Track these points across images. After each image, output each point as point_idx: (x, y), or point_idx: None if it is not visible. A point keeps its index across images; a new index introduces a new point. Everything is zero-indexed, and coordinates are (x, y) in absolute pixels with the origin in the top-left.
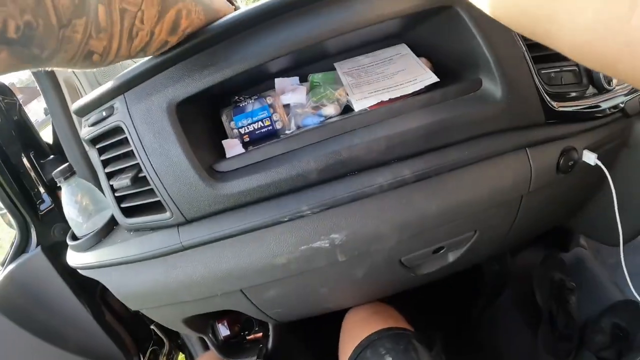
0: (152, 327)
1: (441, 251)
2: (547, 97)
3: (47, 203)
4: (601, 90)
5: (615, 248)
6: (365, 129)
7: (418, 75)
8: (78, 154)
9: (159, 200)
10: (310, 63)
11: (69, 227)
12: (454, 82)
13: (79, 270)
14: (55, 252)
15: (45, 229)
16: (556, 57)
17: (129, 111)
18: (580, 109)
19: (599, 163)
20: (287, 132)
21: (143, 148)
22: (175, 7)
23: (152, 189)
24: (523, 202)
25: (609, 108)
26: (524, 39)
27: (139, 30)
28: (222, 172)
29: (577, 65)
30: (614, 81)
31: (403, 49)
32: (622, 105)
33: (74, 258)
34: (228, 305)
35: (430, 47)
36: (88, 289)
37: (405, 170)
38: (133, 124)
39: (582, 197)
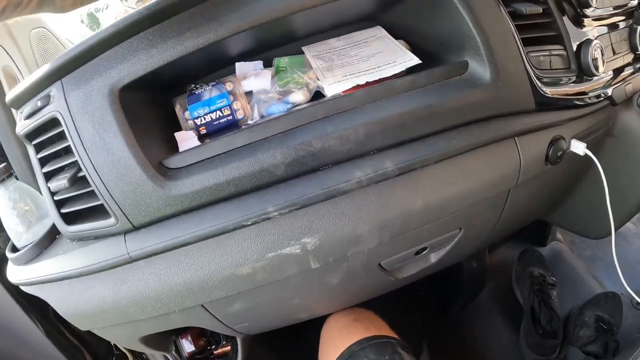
0: (112, 344)
1: (424, 252)
2: (537, 82)
3: None
4: (589, 75)
5: (590, 240)
6: (339, 116)
7: (397, 57)
8: (19, 153)
9: (102, 204)
10: (275, 47)
11: None
12: (438, 65)
13: (20, 287)
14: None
15: None
16: (545, 40)
17: (65, 99)
18: (570, 95)
19: (589, 153)
20: (249, 122)
21: (81, 142)
22: None
23: (93, 191)
24: (510, 196)
25: (597, 96)
26: (513, 18)
27: None
28: (173, 168)
29: (565, 49)
30: (601, 67)
31: (379, 31)
32: (609, 93)
33: (14, 273)
34: (188, 322)
35: (408, 29)
36: (39, 306)
37: (387, 162)
38: (70, 113)
39: (566, 189)
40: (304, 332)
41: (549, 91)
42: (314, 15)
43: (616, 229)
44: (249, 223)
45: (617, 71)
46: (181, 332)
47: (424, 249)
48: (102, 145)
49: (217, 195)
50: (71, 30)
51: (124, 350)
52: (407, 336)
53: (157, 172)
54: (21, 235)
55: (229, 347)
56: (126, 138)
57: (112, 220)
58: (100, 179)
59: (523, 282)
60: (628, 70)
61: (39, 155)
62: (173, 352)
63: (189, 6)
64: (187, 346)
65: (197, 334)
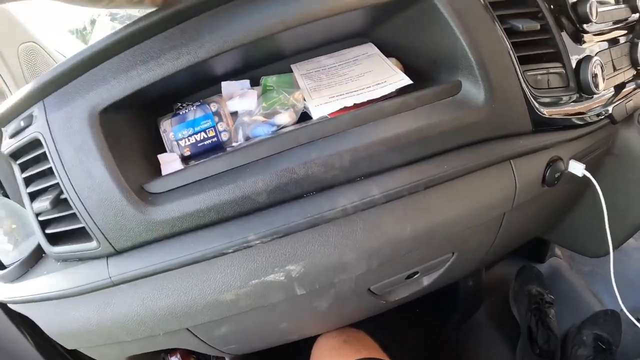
0: None
1: (415, 276)
2: (534, 102)
3: None
4: (589, 94)
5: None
6: (324, 141)
7: (388, 77)
8: (8, 170)
9: (83, 227)
10: (264, 64)
11: None
12: (429, 85)
13: (8, 305)
14: None
15: None
16: (543, 58)
17: (47, 120)
18: (569, 115)
19: (588, 174)
20: (234, 144)
21: (62, 165)
22: None
23: (74, 214)
24: (505, 219)
25: (597, 115)
26: (509, 35)
27: None
28: (154, 193)
29: (564, 66)
30: (602, 85)
31: (370, 48)
32: (610, 111)
33: (1, 291)
34: (174, 344)
35: (400, 46)
36: (29, 319)
37: (374, 189)
38: (52, 135)
39: (564, 209)
40: (293, 351)
41: (546, 112)
42: (302, 34)
43: (615, 248)
44: (230, 251)
45: (618, 88)
46: (170, 350)
47: (415, 273)
48: (83, 169)
49: (198, 221)
50: (61, 42)
51: None
52: (400, 357)
53: (137, 197)
54: (8, 252)
55: None
56: (106, 162)
57: (94, 244)
58: (82, 202)
59: (520, 300)
60: (629, 87)
61: (24, 175)
62: None
63: (169, 27)
64: None
65: (186, 351)
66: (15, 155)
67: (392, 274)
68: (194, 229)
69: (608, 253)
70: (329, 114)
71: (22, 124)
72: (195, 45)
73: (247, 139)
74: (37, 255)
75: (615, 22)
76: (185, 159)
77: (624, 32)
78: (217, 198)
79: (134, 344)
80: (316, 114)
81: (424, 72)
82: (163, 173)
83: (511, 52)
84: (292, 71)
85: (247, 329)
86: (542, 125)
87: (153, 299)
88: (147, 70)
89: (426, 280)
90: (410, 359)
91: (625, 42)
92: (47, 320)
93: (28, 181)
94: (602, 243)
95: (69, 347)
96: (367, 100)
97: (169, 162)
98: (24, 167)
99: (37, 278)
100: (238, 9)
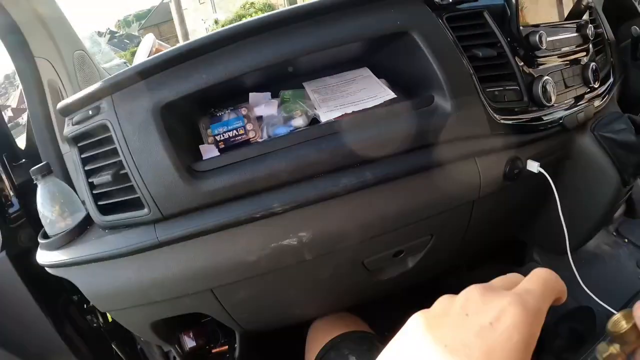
0: (113, 345)
1: (401, 255)
2: (491, 111)
3: (15, 207)
4: (540, 106)
5: (567, 260)
6: (331, 136)
7: (378, 92)
8: (53, 156)
9: (138, 198)
10: (281, 81)
11: (36, 234)
12: (410, 98)
13: (48, 269)
14: (20, 258)
15: (12, 233)
16: (500, 78)
17: (115, 111)
18: (522, 122)
19: (542, 170)
20: (259, 140)
21: (127, 146)
22: None
23: (131, 186)
24: (475, 208)
25: (549, 122)
26: (472, 60)
27: None
28: (200, 171)
29: (518, 84)
30: (553, 98)
31: (365, 71)
32: (561, 121)
33: (44, 256)
34: (197, 308)
35: (389, 69)
36: (51, 300)
37: (367, 172)
38: (119, 122)
39: (530, 205)
40: (293, 341)
41: (501, 118)
42: (312, 58)
43: (583, 243)
44: (257, 216)
45: (572, 101)
46: (185, 329)
47: (401, 251)
48: (144, 149)
49: (233, 193)
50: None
51: (121, 355)
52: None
53: (187, 173)
54: (54, 224)
55: (226, 347)
56: (165, 145)
57: (145, 211)
58: (141, 176)
59: None
60: (581, 101)
61: (83, 155)
62: (175, 346)
63: (217, 47)
64: (189, 342)
65: (198, 332)
66: (76, 139)
67: (382, 249)
68: (229, 200)
69: (575, 249)
70: (334, 118)
71: (90, 112)
72: (236, 63)
73: (269, 137)
74: (83, 227)
75: (568, 47)
76: (220, 151)
77: (577, 55)
78: (250, 175)
79: (162, 305)
80: (324, 118)
81: (407, 87)
82: (204, 158)
83: (473, 74)
84: (304, 87)
85: (261, 294)
86: (498, 129)
87: (189, 259)
88: (199, 79)
89: (411, 262)
90: None
91: (578, 64)
92: (87, 281)
93: (85, 161)
94: (570, 240)
95: (103, 310)
96: (363, 109)
97: (209, 151)
98: (82, 150)
99: (84, 244)
100: (269, 38)
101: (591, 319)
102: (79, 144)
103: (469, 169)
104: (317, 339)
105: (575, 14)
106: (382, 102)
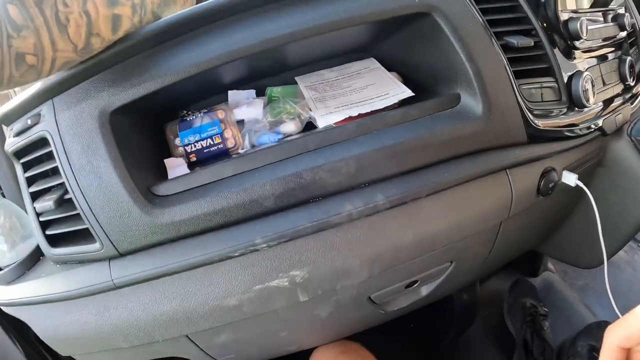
0: None
1: (414, 285)
2: (529, 114)
3: None
4: (580, 107)
5: (582, 269)
6: (330, 148)
7: (390, 89)
8: (7, 170)
9: (87, 229)
10: (268, 76)
11: None
12: (429, 98)
13: (1, 308)
14: None
15: None
16: (536, 72)
17: (56, 119)
18: (561, 127)
19: (580, 184)
20: (240, 151)
21: (69, 164)
22: None
23: (79, 214)
24: (501, 229)
25: (588, 127)
26: (505, 51)
27: (67, 14)
28: (161, 196)
29: (556, 81)
30: (592, 99)
31: (372, 62)
32: (600, 124)
33: None
34: (172, 352)
35: (400, 60)
36: (20, 327)
37: (378, 195)
38: (60, 134)
39: (558, 219)
40: None
41: (540, 123)
42: (305, 47)
43: (608, 258)
44: (236, 254)
45: (608, 102)
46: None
47: (415, 282)
48: (90, 169)
49: (204, 225)
50: None
51: None
52: None
53: (144, 198)
54: (4, 254)
55: None
56: (114, 163)
57: (97, 245)
58: (87, 202)
59: (515, 314)
60: (618, 101)
61: (27, 174)
62: None
63: (182, 33)
64: None
65: None
66: (18, 154)
67: (392, 282)
68: (199, 232)
69: (601, 264)
70: (334, 123)
71: (29, 122)
72: (207, 52)
73: (252, 146)
74: (35, 257)
75: (604, 39)
76: (191, 165)
77: (612, 49)
78: (225, 201)
79: (131, 351)
80: (322, 123)
81: (424, 85)
82: (170, 177)
83: (507, 67)
84: (296, 83)
85: (246, 337)
86: (536, 136)
87: (155, 303)
88: (159, 75)
89: (425, 290)
90: None
91: (614, 58)
92: (42, 324)
93: (30, 181)
94: (595, 254)
95: (63, 354)
96: (371, 111)
97: (176, 167)
98: (27, 167)
99: (35, 280)
100: (250, 18)
101: None
102: (21, 160)
103: (499, 184)
104: None
105: (602, 1)
106: (396, 101)
